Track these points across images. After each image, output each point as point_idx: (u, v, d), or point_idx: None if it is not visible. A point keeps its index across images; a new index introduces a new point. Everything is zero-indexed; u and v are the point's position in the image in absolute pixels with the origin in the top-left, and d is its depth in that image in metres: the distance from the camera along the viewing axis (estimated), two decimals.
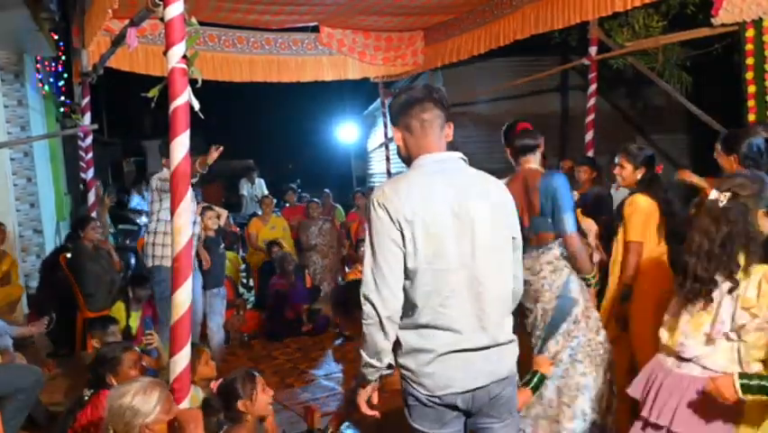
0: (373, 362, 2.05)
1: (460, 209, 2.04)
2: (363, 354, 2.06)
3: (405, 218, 1.99)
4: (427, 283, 2.00)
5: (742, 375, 2.14)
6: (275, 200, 9.15)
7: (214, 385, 2.63)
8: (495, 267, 2.09)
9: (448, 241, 2.02)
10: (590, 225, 4.00)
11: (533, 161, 3.24)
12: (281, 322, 6.46)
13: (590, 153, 6.38)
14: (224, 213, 5.85)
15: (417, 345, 2.05)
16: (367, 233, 2.08)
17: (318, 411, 2.72)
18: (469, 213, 2.04)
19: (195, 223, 5.02)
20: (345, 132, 14.74)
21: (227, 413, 2.56)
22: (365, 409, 2.20)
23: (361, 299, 2.01)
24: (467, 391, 2.07)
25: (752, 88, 4.67)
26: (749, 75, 4.67)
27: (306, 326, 6.52)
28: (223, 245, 5.80)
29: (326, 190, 9.48)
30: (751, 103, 4.68)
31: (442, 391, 2.05)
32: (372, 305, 1.99)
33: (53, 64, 9.09)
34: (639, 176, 3.60)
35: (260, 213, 8.29)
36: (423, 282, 2.00)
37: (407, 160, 2.23)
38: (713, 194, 2.32)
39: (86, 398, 3.05)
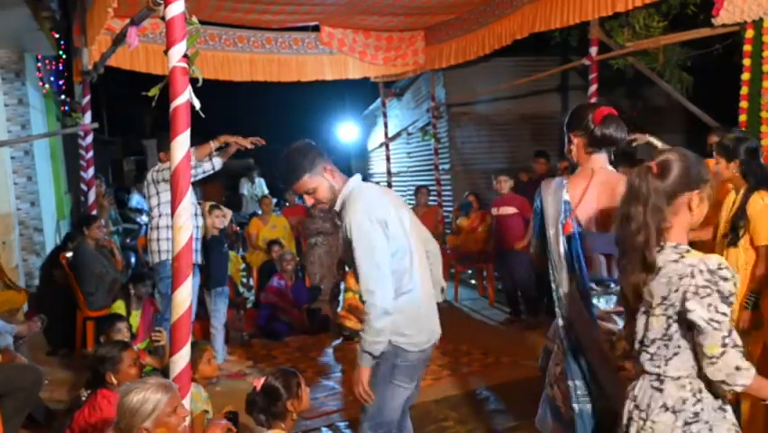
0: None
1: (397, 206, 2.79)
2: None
3: (385, 220, 2.60)
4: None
5: None
6: (275, 200, 9.15)
7: (257, 383, 2.61)
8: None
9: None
10: None
11: (605, 161, 2.55)
12: (280, 321, 6.46)
13: None
14: (229, 213, 5.85)
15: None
16: (360, 239, 2.54)
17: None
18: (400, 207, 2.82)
19: (196, 215, 5.01)
20: (345, 131, 14.75)
21: (271, 410, 2.56)
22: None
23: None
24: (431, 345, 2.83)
25: (745, 90, 4.68)
26: (745, 76, 4.68)
27: (304, 324, 6.51)
28: (225, 245, 5.81)
29: None
30: (743, 104, 4.69)
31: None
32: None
33: (54, 63, 9.10)
34: (735, 170, 3.29)
35: (260, 212, 8.30)
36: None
37: (338, 190, 2.73)
38: None
39: (84, 398, 3.05)
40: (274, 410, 2.55)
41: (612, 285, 2.45)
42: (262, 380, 2.61)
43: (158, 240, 4.75)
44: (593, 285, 2.43)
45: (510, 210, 6.35)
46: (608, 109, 2.50)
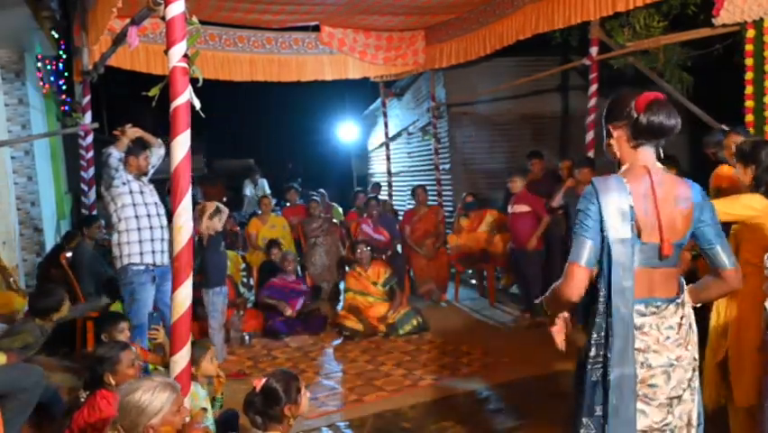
0: None
1: None
2: None
3: None
4: None
5: None
6: (274, 200, 9.15)
7: (257, 383, 2.58)
8: None
9: None
10: None
11: (653, 157, 2.15)
12: (279, 320, 6.46)
13: (591, 154, 6.38)
14: (226, 210, 5.87)
15: None
16: None
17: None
18: None
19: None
20: (345, 131, 14.76)
21: (268, 412, 2.53)
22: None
23: None
24: None
25: (749, 89, 4.67)
26: (748, 75, 4.67)
27: (295, 313, 6.48)
28: (223, 244, 5.81)
29: (321, 190, 9.50)
30: (749, 103, 4.68)
31: None
32: None
33: (54, 63, 9.09)
34: (751, 175, 3.07)
35: (259, 212, 8.31)
36: None
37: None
38: None
39: (82, 399, 3.05)
40: (271, 413, 2.52)
41: (661, 305, 2.09)
42: (263, 380, 2.58)
43: (118, 244, 4.69)
44: (642, 307, 2.07)
45: (524, 208, 6.37)
46: (654, 94, 2.11)
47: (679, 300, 2.12)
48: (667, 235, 2.05)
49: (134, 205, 4.67)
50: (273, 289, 6.61)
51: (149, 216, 4.71)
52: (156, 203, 4.80)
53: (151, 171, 5.00)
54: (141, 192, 4.74)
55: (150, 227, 4.70)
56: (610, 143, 2.21)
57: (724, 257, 2.15)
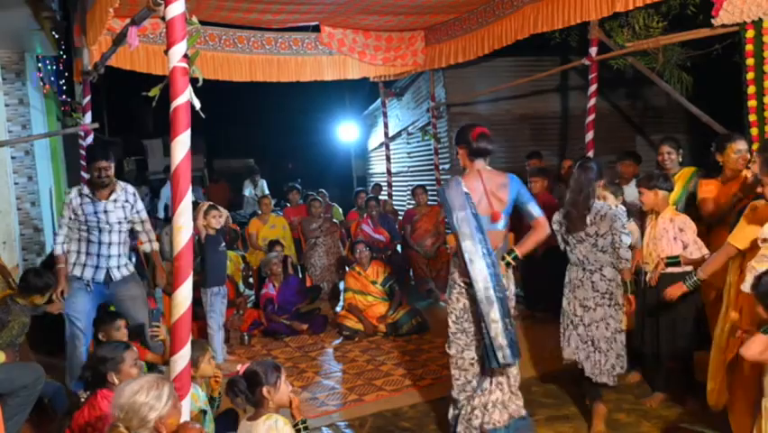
0: None
1: None
2: None
3: None
4: None
5: None
6: (274, 200, 9.16)
7: (241, 369, 2.78)
8: None
9: None
10: (634, 229, 4.27)
11: (485, 164, 3.56)
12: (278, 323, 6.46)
13: (590, 154, 6.38)
14: (225, 212, 5.87)
15: None
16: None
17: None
18: None
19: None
20: (345, 131, 14.78)
21: (250, 397, 2.70)
22: None
23: None
24: None
25: (751, 89, 4.66)
26: (749, 75, 4.66)
27: (299, 326, 6.47)
28: (223, 244, 5.81)
29: (322, 190, 9.51)
30: (751, 103, 4.67)
31: None
32: None
33: (54, 63, 9.11)
34: None
35: (260, 213, 8.31)
36: None
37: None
38: None
39: (83, 399, 3.06)
40: (251, 396, 2.70)
41: (495, 252, 3.41)
42: (247, 365, 2.80)
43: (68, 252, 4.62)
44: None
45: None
46: (481, 129, 3.51)
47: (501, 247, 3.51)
48: (495, 209, 3.45)
49: (80, 217, 4.53)
50: (275, 302, 6.57)
51: (89, 230, 4.53)
52: (110, 222, 4.57)
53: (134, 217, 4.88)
54: (93, 203, 4.54)
55: (89, 241, 4.55)
56: (458, 157, 3.61)
57: (533, 211, 3.49)
